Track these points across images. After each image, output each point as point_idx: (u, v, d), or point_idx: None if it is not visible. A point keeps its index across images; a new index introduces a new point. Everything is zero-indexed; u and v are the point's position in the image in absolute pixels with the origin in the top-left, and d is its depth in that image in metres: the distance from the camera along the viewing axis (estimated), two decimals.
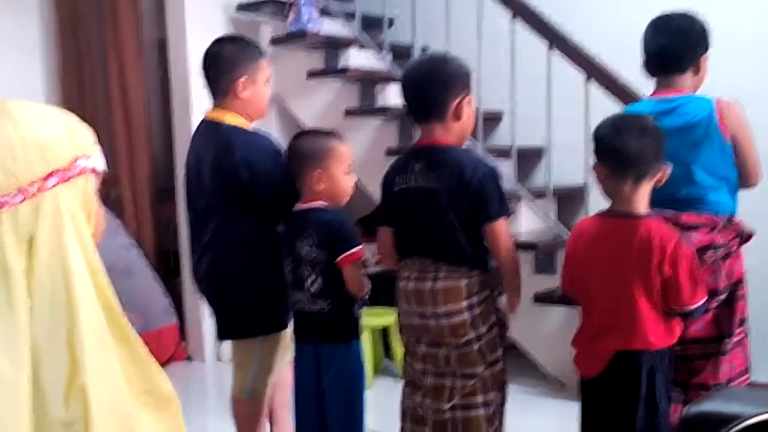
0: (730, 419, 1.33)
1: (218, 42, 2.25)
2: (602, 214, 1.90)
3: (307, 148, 2.08)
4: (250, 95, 2.20)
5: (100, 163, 1.04)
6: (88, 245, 0.98)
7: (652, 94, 2.19)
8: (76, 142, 1.00)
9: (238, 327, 2.26)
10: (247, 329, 2.25)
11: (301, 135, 2.17)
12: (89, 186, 1.01)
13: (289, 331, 2.24)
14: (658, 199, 2.01)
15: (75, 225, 0.97)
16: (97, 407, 0.92)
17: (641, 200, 1.84)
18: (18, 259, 0.93)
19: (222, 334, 2.36)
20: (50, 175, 0.96)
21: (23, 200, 0.94)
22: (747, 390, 2.00)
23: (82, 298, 0.94)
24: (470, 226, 1.89)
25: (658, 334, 1.81)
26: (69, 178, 0.98)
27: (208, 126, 2.25)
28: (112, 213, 3.86)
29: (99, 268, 0.99)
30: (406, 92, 1.97)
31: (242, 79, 2.18)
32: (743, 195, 2.15)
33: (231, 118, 2.20)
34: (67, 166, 0.98)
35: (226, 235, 2.19)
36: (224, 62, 2.19)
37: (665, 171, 1.85)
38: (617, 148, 1.81)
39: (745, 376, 2.11)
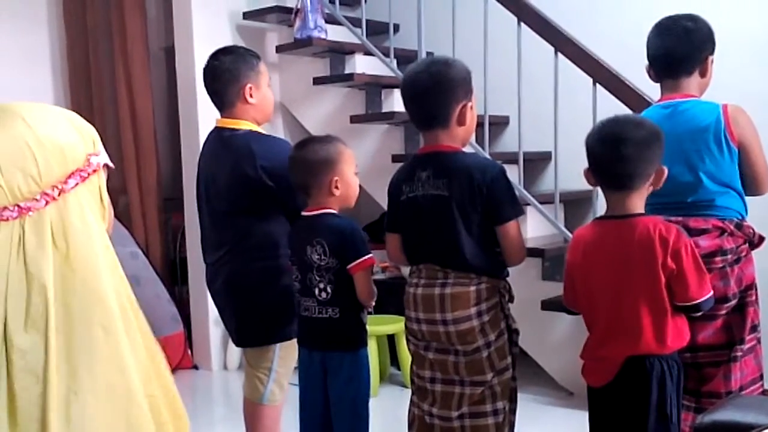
0: (745, 429, 1.31)
1: (215, 56, 2.29)
2: (599, 221, 1.88)
3: (320, 156, 2.06)
4: (257, 101, 2.26)
5: (107, 158, 1.06)
6: (107, 242, 1.00)
7: (658, 100, 2.17)
8: (87, 141, 1.02)
9: (262, 333, 2.26)
10: (268, 336, 2.26)
11: (306, 144, 2.12)
12: (101, 182, 1.03)
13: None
14: (666, 205, 2.00)
15: (97, 222, 0.99)
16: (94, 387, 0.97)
17: (638, 202, 1.82)
18: (39, 263, 0.93)
19: (242, 342, 2.34)
20: (70, 176, 0.97)
21: (47, 204, 0.95)
22: (761, 399, 1.97)
23: (107, 296, 0.96)
24: (481, 232, 1.88)
25: (667, 336, 1.78)
26: (86, 177, 0.99)
27: (222, 133, 2.27)
28: (119, 221, 3.87)
29: (117, 264, 1.01)
30: (408, 100, 1.95)
31: (248, 86, 2.23)
32: (754, 199, 2.12)
33: (245, 125, 2.24)
34: (83, 166, 0.99)
35: (248, 242, 2.21)
36: (227, 74, 2.23)
37: (662, 172, 1.82)
38: (613, 169, 1.77)
39: (759, 384, 2.08)
